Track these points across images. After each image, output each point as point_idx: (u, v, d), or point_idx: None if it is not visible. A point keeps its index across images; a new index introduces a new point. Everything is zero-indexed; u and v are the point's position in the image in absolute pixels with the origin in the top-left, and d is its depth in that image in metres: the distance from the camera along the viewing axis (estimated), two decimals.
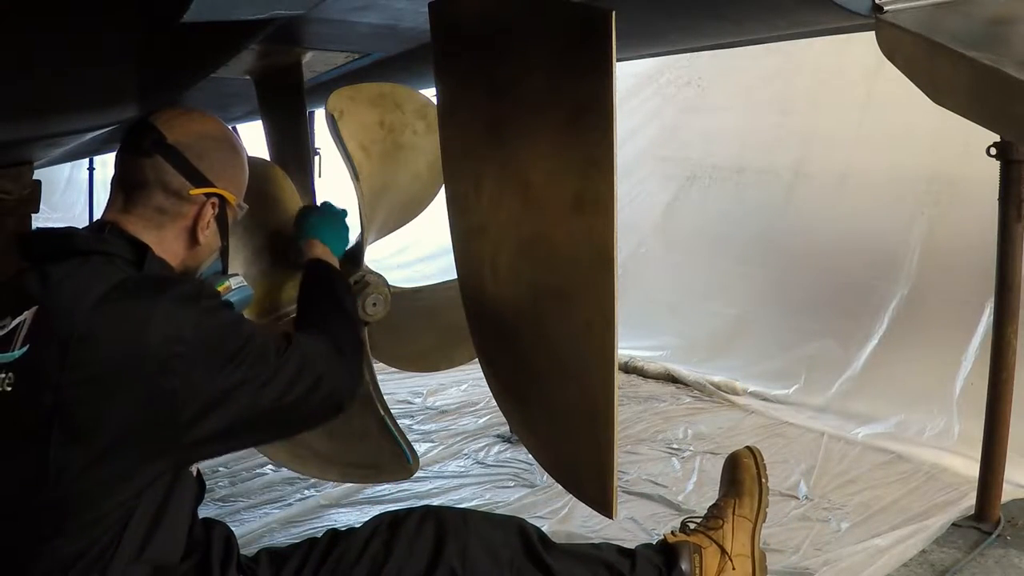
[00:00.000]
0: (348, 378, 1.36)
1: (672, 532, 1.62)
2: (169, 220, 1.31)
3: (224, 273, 1.46)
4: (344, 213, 1.80)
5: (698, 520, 1.66)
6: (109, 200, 1.33)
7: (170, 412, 1.12)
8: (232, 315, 1.26)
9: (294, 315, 1.81)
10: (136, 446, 1.11)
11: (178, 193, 1.30)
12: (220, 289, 1.43)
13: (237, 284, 1.47)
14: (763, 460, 1.73)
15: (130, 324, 1.12)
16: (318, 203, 1.87)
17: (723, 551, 1.59)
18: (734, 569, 1.59)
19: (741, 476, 1.70)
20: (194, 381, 1.13)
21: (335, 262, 1.68)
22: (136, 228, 1.28)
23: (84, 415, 1.09)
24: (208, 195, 1.33)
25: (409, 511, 1.45)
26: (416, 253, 5.98)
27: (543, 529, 1.53)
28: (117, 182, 1.33)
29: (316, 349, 1.32)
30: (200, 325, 1.15)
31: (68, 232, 1.26)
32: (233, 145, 1.41)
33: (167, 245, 1.31)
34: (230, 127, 1.49)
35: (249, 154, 1.49)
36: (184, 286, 1.21)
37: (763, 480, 1.70)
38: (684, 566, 1.54)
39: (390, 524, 1.41)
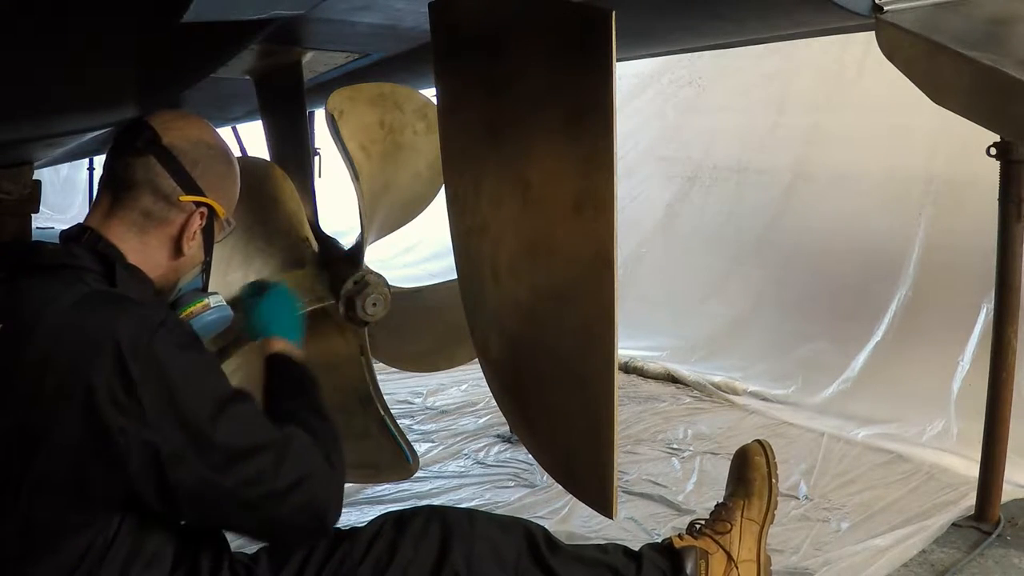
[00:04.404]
0: (336, 491, 1.23)
1: (679, 535, 1.60)
2: (154, 226, 1.24)
3: (204, 291, 1.40)
4: (285, 290, 1.64)
5: (705, 521, 1.65)
6: (94, 202, 1.28)
7: (113, 450, 1.03)
8: (201, 360, 1.14)
9: None
10: (84, 475, 1.05)
11: (167, 198, 1.24)
12: (198, 307, 1.37)
13: (216, 303, 1.40)
14: (774, 458, 1.70)
15: (82, 346, 1.05)
16: (261, 284, 1.68)
17: (729, 557, 1.58)
18: None
19: (751, 475, 1.67)
20: (139, 423, 1.04)
21: (297, 354, 1.49)
22: (118, 233, 1.22)
23: (35, 439, 1.04)
24: (197, 204, 1.26)
25: (414, 511, 1.42)
26: (422, 252, 5.99)
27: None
28: (105, 182, 1.27)
29: (307, 447, 1.19)
30: (156, 360, 1.06)
31: (35, 246, 1.20)
32: (228, 158, 1.35)
33: (149, 253, 1.25)
34: (228, 128, 1.45)
35: (248, 155, 1.45)
36: (149, 310, 1.13)
37: (773, 481, 1.66)
38: (689, 571, 1.53)
39: (395, 524, 1.39)
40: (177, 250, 1.28)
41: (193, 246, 1.29)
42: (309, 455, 1.19)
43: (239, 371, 1.71)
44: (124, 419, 1.04)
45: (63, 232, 1.25)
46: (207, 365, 1.15)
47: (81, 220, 1.27)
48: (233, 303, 1.60)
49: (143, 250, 1.24)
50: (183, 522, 1.20)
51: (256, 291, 1.63)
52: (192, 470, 1.07)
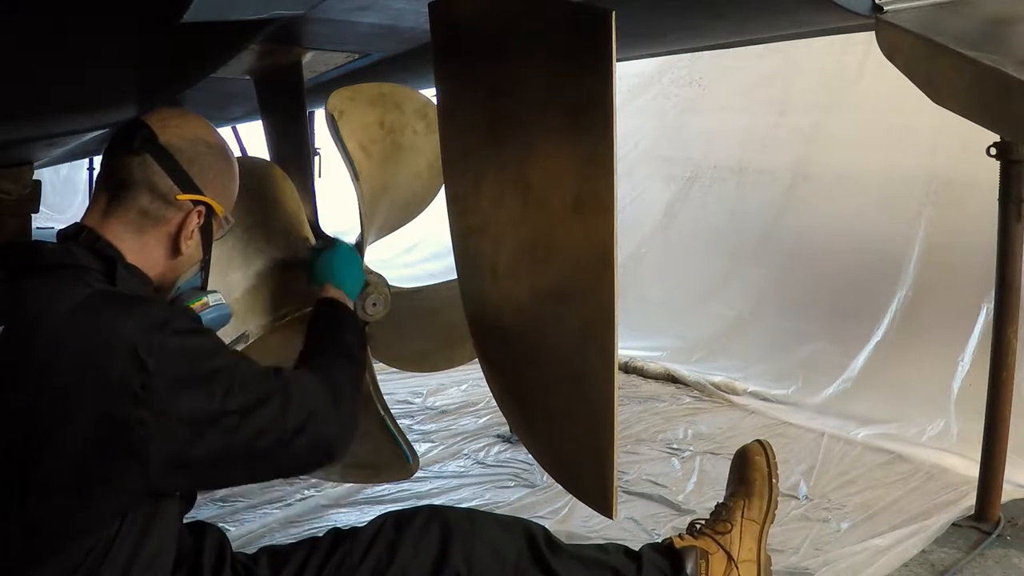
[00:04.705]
0: (341, 424, 1.27)
1: (680, 535, 1.60)
2: (151, 225, 1.24)
3: (202, 289, 1.40)
4: (352, 250, 1.73)
5: (705, 521, 1.65)
6: (91, 201, 1.28)
7: (130, 443, 1.05)
8: (208, 341, 1.18)
9: (289, 318, 1.79)
10: (95, 474, 1.06)
11: (164, 197, 1.24)
12: (197, 305, 1.37)
13: (215, 301, 1.40)
14: (774, 458, 1.70)
15: (92, 347, 1.06)
16: (332, 240, 1.79)
17: (729, 557, 1.58)
18: None
19: (752, 475, 1.67)
20: (159, 412, 1.06)
21: (349, 305, 1.60)
22: (116, 232, 1.22)
23: (43, 440, 1.05)
24: (195, 203, 1.26)
25: (414, 511, 1.43)
26: (422, 252, 5.98)
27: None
28: (102, 181, 1.26)
29: (309, 387, 1.24)
30: (169, 351, 1.08)
31: (34, 245, 1.19)
32: (226, 155, 1.34)
33: (148, 252, 1.25)
34: (228, 128, 1.45)
35: (248, 155, 1.45)
36: (154, 307, 1.15)
37: (773, 480, 1.67)
38: (689, 571, 1.53)
39: (395, 524, 1.39)
40: (175, 249, 1.27)
41: (191, 245, 1.29)
42: (311, 395, 1.22)
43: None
44: (144, 411, 1.05)
45: (60, 231, 1.25)
46: (213, 347, 1.18)
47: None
48: (302, 256, 1.76)
49: (141, 249, 1.24)
50: (196, 495, 1.26)
51: (325, 245, 1.75)
52: (211, 444, 1.11)
